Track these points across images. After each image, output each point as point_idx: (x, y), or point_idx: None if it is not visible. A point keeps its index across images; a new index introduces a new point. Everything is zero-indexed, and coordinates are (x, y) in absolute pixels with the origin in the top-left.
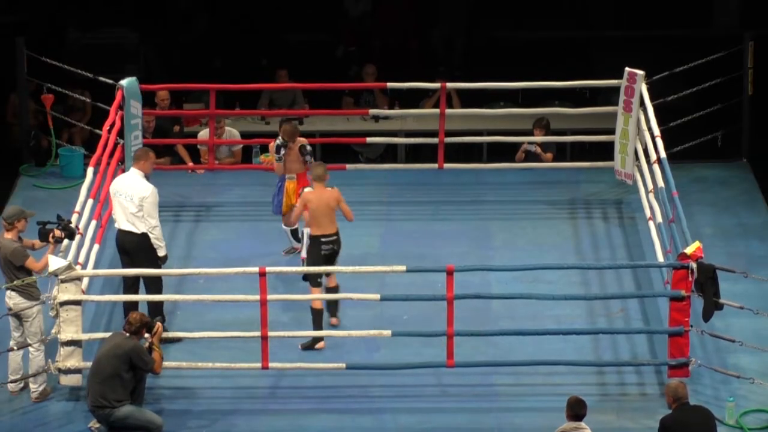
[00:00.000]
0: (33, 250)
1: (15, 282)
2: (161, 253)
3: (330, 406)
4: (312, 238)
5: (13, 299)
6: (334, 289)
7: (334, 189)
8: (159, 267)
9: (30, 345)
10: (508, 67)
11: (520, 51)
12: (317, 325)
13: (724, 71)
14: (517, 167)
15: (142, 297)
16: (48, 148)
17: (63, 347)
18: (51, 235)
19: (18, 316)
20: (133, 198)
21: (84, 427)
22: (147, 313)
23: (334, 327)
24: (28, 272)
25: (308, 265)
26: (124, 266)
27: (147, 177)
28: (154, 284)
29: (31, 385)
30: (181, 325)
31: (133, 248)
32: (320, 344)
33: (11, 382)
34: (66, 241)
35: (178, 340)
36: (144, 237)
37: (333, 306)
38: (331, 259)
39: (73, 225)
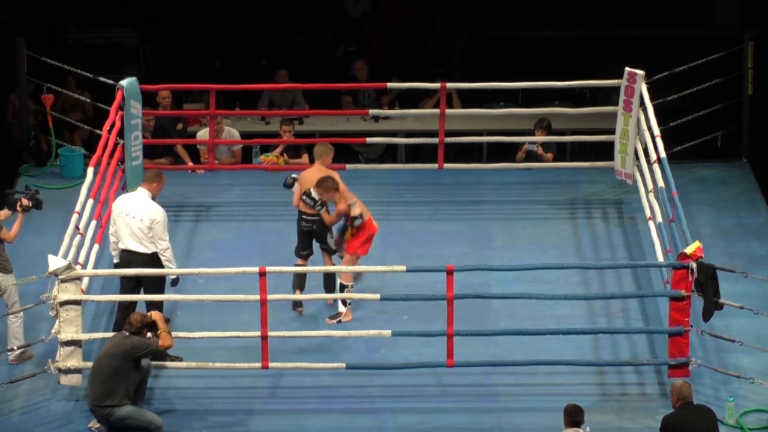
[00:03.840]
0: None
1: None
2: (174, 275)
3: (330, 406)
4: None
5: None
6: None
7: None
8: (163, 288)
9: (12, 313)
10: (508, 67)
11: (520, 51)
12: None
13: (724, 71)
14: (517, 167)
15: (141, 297)
16: (48, 149)
17: (63, 347)
18: (18, 204)
19: None
20: (144, 219)
21: (84, 427)
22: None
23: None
24: (1, 243)
25: (334, 235)
26: (125, 287)
27: (154, 200)
28: (156, 305)
29: (12, 349)
30: (181, 325)
31: (141, 268)
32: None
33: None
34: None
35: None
36: (152, 257)
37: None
38: None
39: (40, 196)
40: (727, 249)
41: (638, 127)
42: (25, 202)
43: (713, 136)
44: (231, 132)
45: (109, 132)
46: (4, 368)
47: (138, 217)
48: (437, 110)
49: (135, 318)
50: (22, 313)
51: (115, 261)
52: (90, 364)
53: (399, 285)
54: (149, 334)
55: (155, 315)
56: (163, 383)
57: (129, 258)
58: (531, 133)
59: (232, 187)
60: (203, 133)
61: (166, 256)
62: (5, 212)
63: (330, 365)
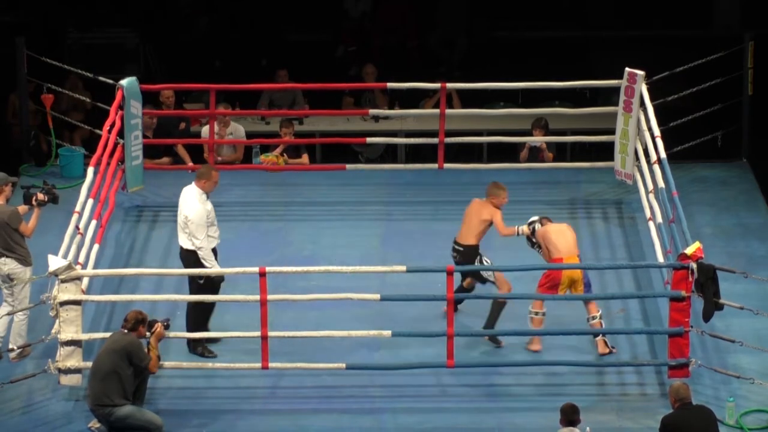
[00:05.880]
0: None
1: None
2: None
3: (330, 406)
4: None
5: (8, 265)
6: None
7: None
8: (198, 284)
9: (20, 310)
10: (508, 67)
11: (520, 51)
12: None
13: (724, 71)
14: (517, 167)
15: (141, 297)
16: (48, 149)
17: (63, 347)
18: (34, 198)
19: (11, 281)
20: (181, 214)
21: (84, 427)
22: (191, 325)
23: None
24: (21, 236)
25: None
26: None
27: (207, 195)
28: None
29: (12, 348)
30: (181, 325)
31: (182, 261)
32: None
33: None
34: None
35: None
36: (188, 253)
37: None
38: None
39: (56, 190)
40: (727, 249)
41: (638, 127)
42: (40, 196)
43: (713, 136)
44: (236, 128)
45: (109, 132)
46: (4, 368)
47: (180, 211)
48: (437, 110)
49: (131, 314)
50: (28, 311)
51: None
52: (90, 364)
53: (399, 285)
54: (148, 334)
55: (154, 337)
56: (163, 383)
57: (180, 250)
58: (530, 133)
59: (232, 187)
60: (207, 131)
61: (201, 254)
62: (23, 207)
63: (330, 365)
